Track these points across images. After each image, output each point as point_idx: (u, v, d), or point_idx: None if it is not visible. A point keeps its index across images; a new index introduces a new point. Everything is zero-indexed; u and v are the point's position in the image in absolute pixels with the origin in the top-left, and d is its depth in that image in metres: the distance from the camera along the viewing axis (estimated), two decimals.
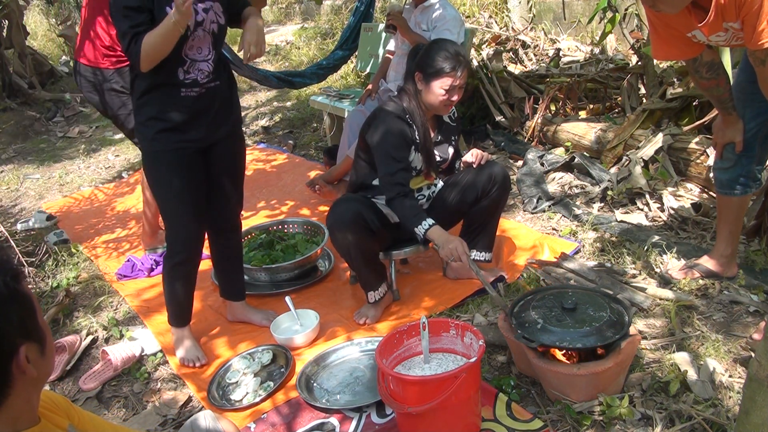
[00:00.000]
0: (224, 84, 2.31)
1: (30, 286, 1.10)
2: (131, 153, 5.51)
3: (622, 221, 3.21)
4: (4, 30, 6.99)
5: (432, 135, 2.62)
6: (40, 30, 10.27)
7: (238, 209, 2.57)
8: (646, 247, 2.86)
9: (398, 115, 2.49)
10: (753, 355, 1.61)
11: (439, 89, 2.44)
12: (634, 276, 2.68)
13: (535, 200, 3.52)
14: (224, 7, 2.24)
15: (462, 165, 2.75)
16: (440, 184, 2.78)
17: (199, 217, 2.38)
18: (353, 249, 2.46)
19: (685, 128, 3.67)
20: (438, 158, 2.67)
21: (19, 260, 3.25)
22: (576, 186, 3.71)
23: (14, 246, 3.31)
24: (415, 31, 3.69)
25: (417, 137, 2.53)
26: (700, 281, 2.58)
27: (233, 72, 2.45)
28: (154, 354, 2.60)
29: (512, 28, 6.57)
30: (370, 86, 4.08)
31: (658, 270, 2.71)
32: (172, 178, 2.27)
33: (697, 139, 3.43)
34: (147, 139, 2.25)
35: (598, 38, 5.43)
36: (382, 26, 4.34)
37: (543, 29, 6.42)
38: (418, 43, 2.74)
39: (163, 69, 2.13)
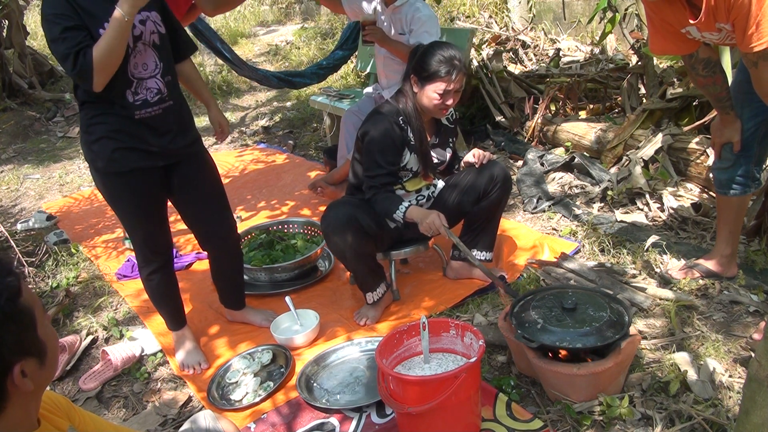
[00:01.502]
0: (177, 103, 2.23)
1: (30, 286, 1.08)
2: None
3: (622, 221, 3.20)
4: (4, 30, 7.00)
5: (430, 137, 2.62)
6: (40, 30, 10.25)
7: (227, 228, 2.48)
8: (646, 247, 2.86)
9: (391, 118, 2.48)
10: (753, 355, 1.61)
11: (432, 93, 2.42)
12: (634, 276, 2.68)
13: (535, 200, 3.52)
14: (162, 15, 2.17)
15: (463, 165, 2.74)
16: (440, 184, 2.78)
17: (163, 226, 2.35)
18: (348, 251, 2.46)
19: (685, 128, 3.67)
20: (435, 160, 2.66)
21: (19, 260, 3.25)
22: (576, 186, 3.71)
23: (14, 246, 3.31)
24: (389, 34, 3.50)
25: (412, 139, 2.52)
26: (700, 281, 2.58)
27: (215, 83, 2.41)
28: (154, 354, 2.60)
29: (512, 28, 6.57)
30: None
31: (658, 270, 2.71)
32: (134, 198, 2.21)
33: (697, 139, 3.43)
34: (102, 159, 2.14)
35: (598, 38, 5.44)
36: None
37: (543, 29, 6.42)
38: (419, 44, 2.72)
39: (112, 93, 2.07)
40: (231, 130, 5.97)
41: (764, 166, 2.54)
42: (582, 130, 4.09)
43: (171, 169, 2.28)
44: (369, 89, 4.05)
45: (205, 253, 2.63)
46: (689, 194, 3.32)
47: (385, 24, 3.54)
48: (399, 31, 3.49)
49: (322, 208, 3.81)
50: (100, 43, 1.95)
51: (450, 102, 2.45)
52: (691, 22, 2.05)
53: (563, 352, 2.01)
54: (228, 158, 5.05)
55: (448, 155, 2.72)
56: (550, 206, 3.47)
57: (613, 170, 3.66)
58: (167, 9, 2.23)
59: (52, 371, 1.11)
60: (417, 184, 2.66)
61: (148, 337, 2.70)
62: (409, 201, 2.67)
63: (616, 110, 4.56)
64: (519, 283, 2.75)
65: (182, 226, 3.65)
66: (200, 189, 2.37)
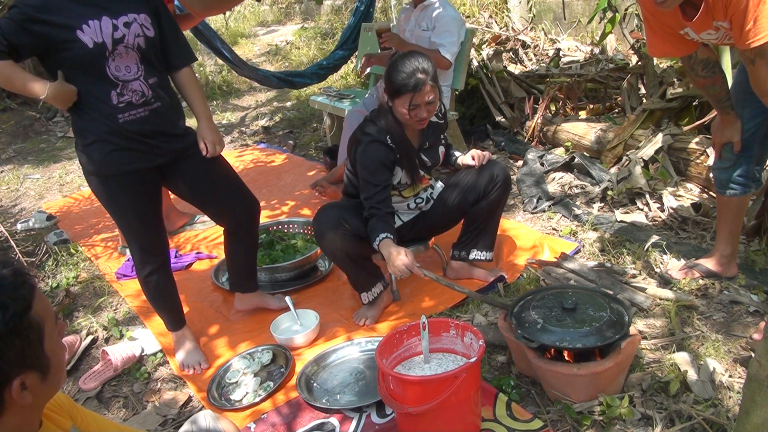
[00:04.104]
0: (165, 105, 2.20)
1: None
2: None
3: (622, 221, 3.21)
4: None
5: (418, 143, 2.58)
6: None
7: (248, 201, 2.49)
8: (646, 247, 2.86)
9: (376, 138, 2.44)
10: (753, 355, 1.61)
11: (401, 108, 2.38)
12: (634, 276, 2.68)
13: (535, 200, 3.52)
14: (153, 18, 2.13)
15: (462, 166, 2.74)
16: (439, 185, 2.78)
17: (159, 227, 2.35)
18: (339, 253, 2.48)
19: (685, 128, 3.68)
20: (428, 163, 2.64)
21: (19, 260, 3.25)
22: (576, 186, 3.71)
23: (14, 246, 3.32)
24: (414, 31, 3.69)
25: (399, 155, 2.48)
26: (700, 281, 2.58)
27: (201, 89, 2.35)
28: (154, 354, 2.60)
29: (512, 28, 6.57)
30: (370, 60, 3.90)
31: (658, 270, 2.71)
32: (129, 199, 2.21)
33: (697, 139, 3.43)
34: (97, 162, 2.13)
35: (598, 38, 5.44)
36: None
37: (543, 29, 6.42)
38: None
39: (96, 94, 2.06)
40: (230, 130, 5.99)
41: (764, 166, 2.54)
42: (582, 130, 4.09)
43: (169, 167, 2.28)
44: (372, 89, 4.08)
45: (213, 254, 2.63)
46: (689, 194, 3.32)
47: (412, 22, 3.71)
48: (423, 28, 3.65)
49: None
50: (11, 73, 1.98)
51: (424, 115, 2.39)
52: (686, 22, 2.05)
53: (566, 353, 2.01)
54: (228, 158, 5.00)
55: (441, 153, 2.71)
56: (550, 206, 3.47)
57: (613, 170, 3.66)
58: (165, 14, 2.20)
59: (55, 386, 1.10)
60: (413, 190, 2.66)
61: (148, 337, 2.70)
62: (408, 203, 2.67)
63: (616, 110, 4.56)
64: (519, 283, 2.75)
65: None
66: (210, 174, 2.37)
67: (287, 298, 2.68)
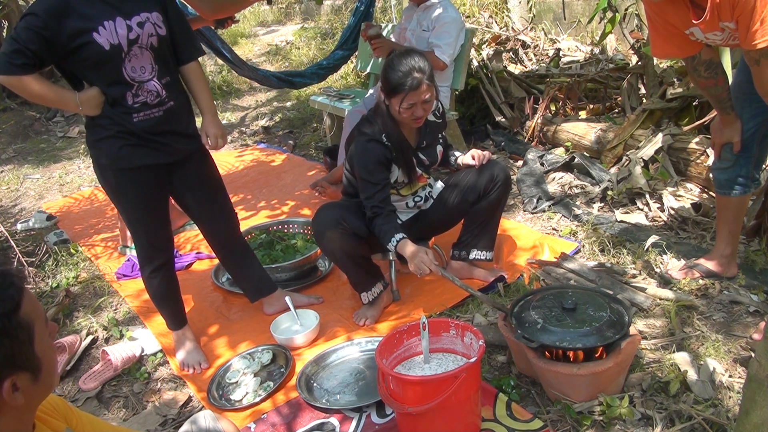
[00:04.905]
0: (178, 104, 2.21)
1: (30, 286, 1.07)
2: None
3: (622, 221, 3.20)
4: (4, 30, 7.00)
5: (416, 141, 2.58)
6: None
7: (225, 223, 2.53)
8: (646, 247, 2.86)
9: (373, 137, 2.44)
10: (753, 355, 1.61)
11: (397, 107, 2.37)
12: (634, 276, 2.68)
13: (535, 200, 3.52)
14: (164, 15, 2.13)
15: (462, 165, 2.74)
16: (439, 185, 2.78)
17: (165, 224, 2.37)
18: (338, 252, 2.48)
19: (685, 128, 3.67)
20: (426, 162, 2.64)
21: (19, 260, 3.25)
22: (576, 186, 3.71)
23: (14, 246, 3.31)
24: (415, 30, 3.69)
25: (395, 154, 2.49)
26: (700, 281, 2.58)
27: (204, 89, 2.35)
28: (154, 354, 2.60)
29: (512, 28, 6.57)
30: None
31: (658, 270, 2.71)
32: (137, 194, 2.22)
33: (697, 139, 3.43)
34: (108, 156, 2.15)
35: (598, 38, 5.44)
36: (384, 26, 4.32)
37: (543, 29, 6.42)
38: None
39: (111, 94, 2.07)
40: (230, 130, 5.99)
41: (764, 166, 2.54)
42: (582, 130, 4.09)
43: (173, 167, 2.29)
44: (372, 88, 4.08)
45: (213, 254, 2.71)
46: (689, 194, 3.32)
47: (414, 21, 3.70)
48: (424, 28, 3.64)
49: None
50: (43, 90, 2.02)
51: (420, 113, 2.39)
52: (695, 22, 2.04)
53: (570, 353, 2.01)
54: (228, 158, 5.05)
55: (439, 152, 2.70)
56: (550, 206, 3.47)
57: (613, 170, 3.66)
58: (173, 9, 2.20)
59: (47, 387, 1.10)
60: (411, 188, 2.66)
61: (148, 337, 2.70)
62: (407, 202, 2.67)
63: (616, 110, 4.56)
64: (519, 283, 2.75)
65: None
66: (201, 187, 2.39)
67: (287, 298, 2.68)
